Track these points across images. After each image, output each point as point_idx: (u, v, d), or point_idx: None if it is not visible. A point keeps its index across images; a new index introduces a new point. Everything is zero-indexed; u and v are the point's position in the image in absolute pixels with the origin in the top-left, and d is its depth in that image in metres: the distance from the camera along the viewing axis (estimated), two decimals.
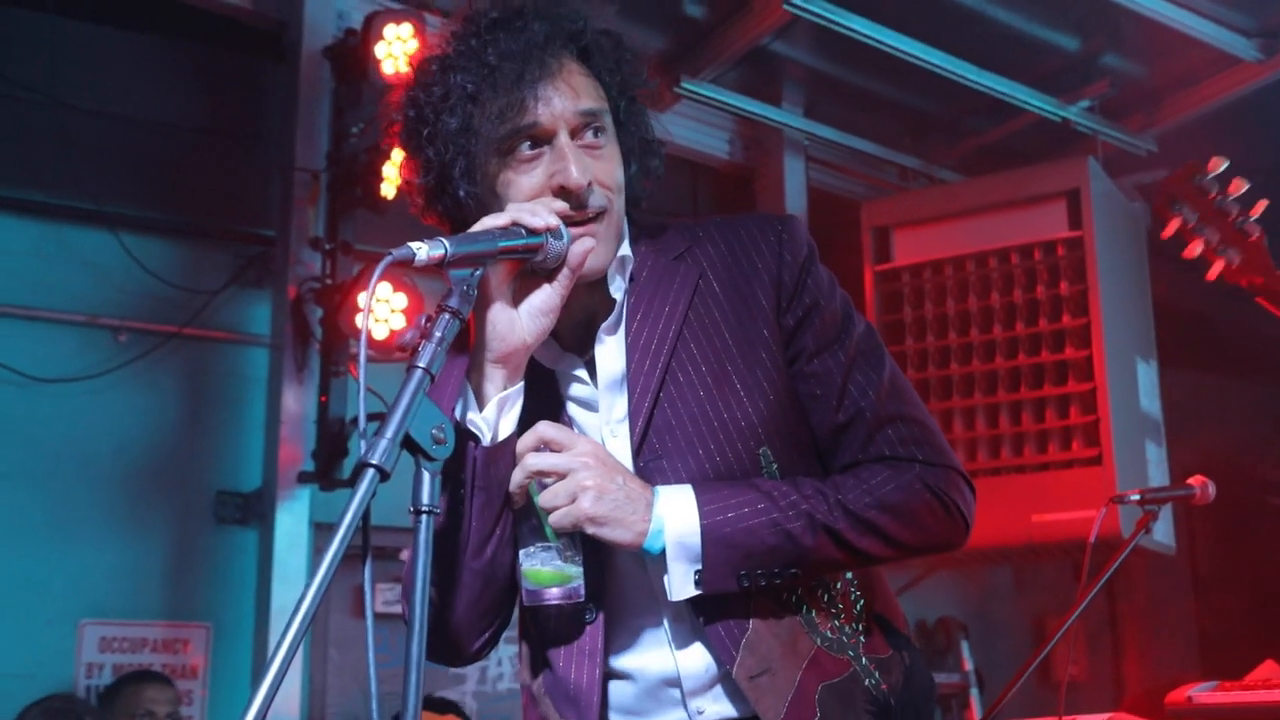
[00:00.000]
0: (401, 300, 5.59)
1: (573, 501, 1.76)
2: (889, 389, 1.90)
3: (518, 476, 1.79)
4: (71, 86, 6.28)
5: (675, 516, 1.78)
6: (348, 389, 5.94)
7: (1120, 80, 7.13)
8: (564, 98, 1.83)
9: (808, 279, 1.90)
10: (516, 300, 1.82)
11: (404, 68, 5.65)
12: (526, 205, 1.78)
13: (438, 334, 1.62)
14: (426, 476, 1.55)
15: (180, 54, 6.75)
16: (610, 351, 1.90)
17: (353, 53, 5.95)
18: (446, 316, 1.64)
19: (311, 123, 6.17)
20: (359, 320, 1.66)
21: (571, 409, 1.93)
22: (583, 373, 1.93)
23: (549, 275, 1.81)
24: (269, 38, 6.45)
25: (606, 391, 1.90)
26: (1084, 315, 6.17)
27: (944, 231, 6.57)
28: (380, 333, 5.53)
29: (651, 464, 1.85)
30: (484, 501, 1.81)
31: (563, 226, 1.79)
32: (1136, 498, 3.77)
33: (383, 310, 5.59)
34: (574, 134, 1.83)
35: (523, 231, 1.75)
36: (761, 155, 7.58)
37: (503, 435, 1.82)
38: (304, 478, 5.95)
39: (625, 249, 1.93)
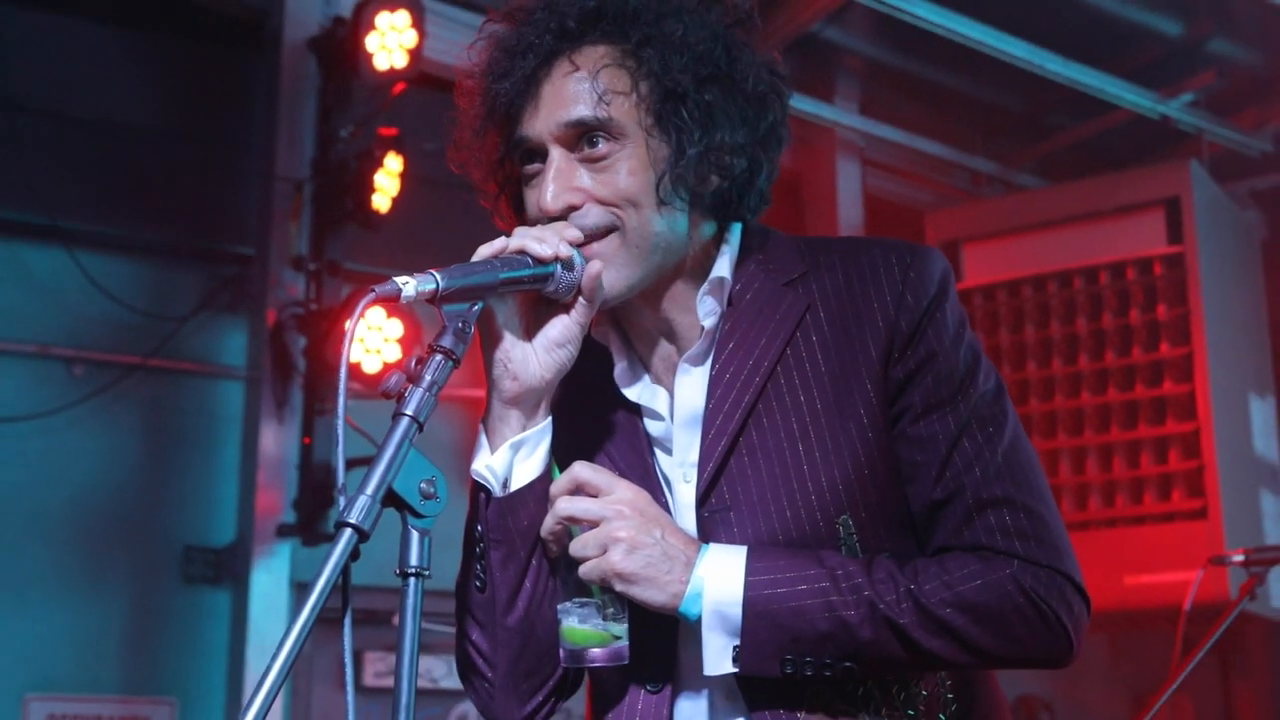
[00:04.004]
0: (396, 328, 5.69)
1: (603, 553, 1.80)
2: (1003, 465, 1.86)
3: (548, 523, 1.85)
4: (21, 83, 6.38)
5: (718, 581, 1.80)
6: (337, 429, 6.00)
7: (1229, 70, 7.16)
8: (550, 108, 1.88)
9: (928, 327, 1.88)
10: (530, 333, 1.88)
11: (400, 62, 5.76)
12: (534, 231, 1.84)
13: (428, 378, 1.67)
14: (415, 535, 1.61)
15: (145, 47, 6.84)
16: (692, 384, 1.93)
17: (341, 45, 6.07)
18: (438, 358, 1.70)
19: (294, 125, 6.29)
20: (345, 357, 1.72)
21: (653, 448, 1.98)
22: (663, 406, 1.97)
23: (566, 305, 1.87)
24: (246, 28, 6.58)
25: (683, 429, 1.94)
26: (1186, 344, 6.19)
27: (1022, 246, 6.61)
28: (372, 365, 5.63)
29: (716, 516, 1.88)
30: (504, 556, 1.88)
31: (576, 255, 1.84)
32: (1240, 558, 3.81)
33: (375, 339, 5.69)
34: (569, 147, 1.88)
35: (529, 260, 1.81)
36: (811, 158, 7.65)
37: (520, 482, 1.88)
38: (284, 531, 6.04)
39: (724, 269, 1.94)
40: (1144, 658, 9.15)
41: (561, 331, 1.88)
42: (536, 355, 1.87)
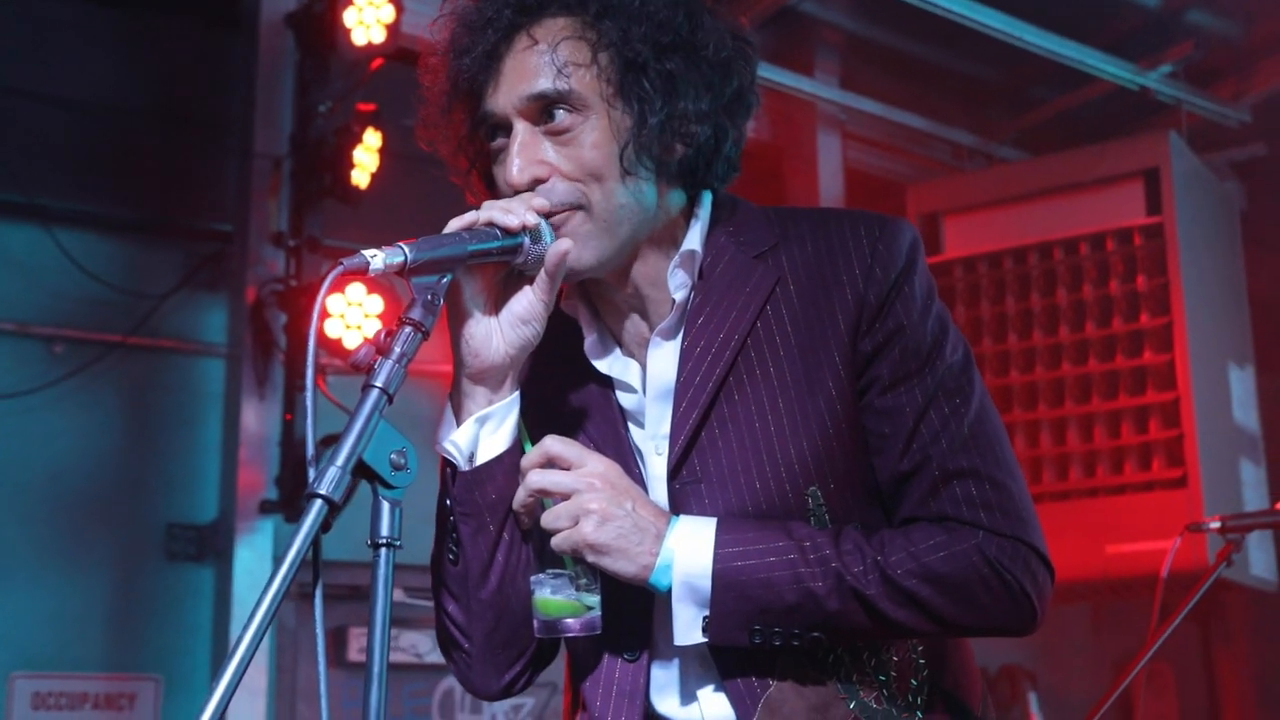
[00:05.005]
0: (376, 303, 5.69)
1: (575, 525, 1.82)
2: (968, 436, 1.87)
3: (521, 494, 1.87)
4: None
5: (687, 552, 1.83)
6: (317, 405, 6.01)
7: (1208, 41, 7.17)
8: (511, 82, 1.88)
9: (896, 300, 1.89)
10: (497, 307, 1.89)
11: (378, 37, 5.75)
12: (500, 203, 1.85)
13: (397, 349, 1.68)
14: (386, 506, 1.62)
15: (121, 24, 6.82)
16: (664, 357, 1.95)
17: (319, 20, 6.04)
18: (408, 330, 1.70)
19: (272, 102, 6.28)
20: (317, 329, 1.71)
21: (625, 420, 2.00)
22: (635, 379, 1.99)
23: (532, 280, 1.88)
24: (223, 4, 6.56)
25: (655, 402, 1.95)
26: (1165, 314, 6.22)
27: (1002, 218, 6.63)
28: (352, 340, 5.62)
29: (687, 488, 1.90)
30: (474, 529, 1.90)
31: (544, 225, 1.85)
32: (1216, 525, 3.81)
33: (355, 315, 5.69)
34: (533, 120, 1.89)
35: (498, 233, 1.82)
36: (791, 132, 7.65)
37: (487, 455, 1.90)
38: (267, 507, 6.04)
39: (694, 241, 1.95)
40: (1126, 626, 9.20)
41: (526, 308, 1.89)
42: (501, 331, 1.88)
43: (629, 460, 1.95)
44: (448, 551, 1.95)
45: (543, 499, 1.87)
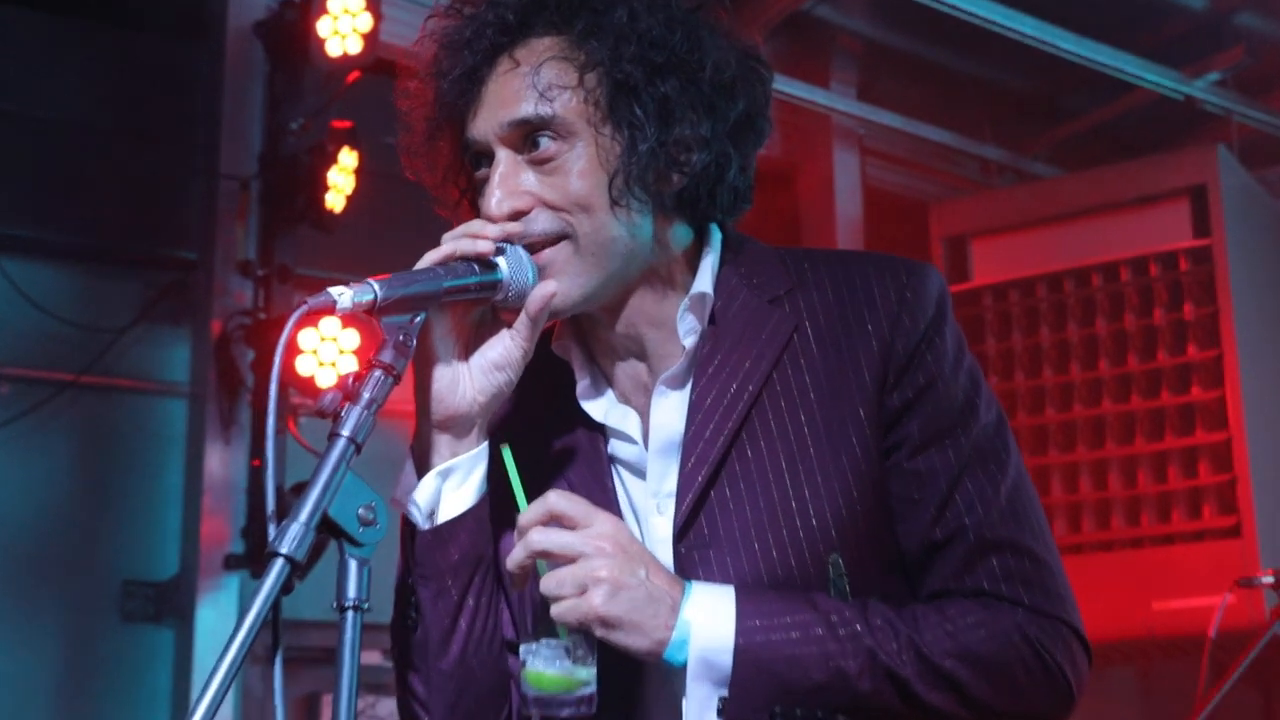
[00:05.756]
0: (352, 338, 5.72)
1: (582, 594, 1.77)
2: (1006, 506, 1.90)
3: (519, 554, 1.81)
4: None
5: (706, 625, 1.80)
6: (287, 450, 6.03)
7: (1260, 46, 7.21)
8: (492, 108, 1.92)
9: (927, 351, 1.91)
10: (468, 349, 1.92)
11: (354, 48, 5.79)
12: (463, 228, 1.88)
13: (366, 395, 1.71)
14: (353, 565, 1.65)
15: (75, 34, 6.82)
16: (670, 408, 1.95)
17: (290, 29, 6.09)
18: (377, 374, 1.74)
19: (239, 118, 6.31)
20: (282, 371, 1.73)
21: (620, 473, 2.01)
22: (634, 429, 1.99)
23: (510, 323, 1.90)
24: (186, 12, 6.58)
25: (659, 456, 1.96)
26: (1215, 346, 6.21)
27: (1035, 241, 6.64)
28: (326, 379, 5.64)
29: (695, 552, 1.90)
30: (434, 593, 1.90)
31: (526, 259, 1.88)
32: (1270, 580, 3.84)
33: (329, 351, 5.72)
34: (516, 148, 1.91)
35: (475, 267, 1.85)
36: (805, 148, 7.69)
37: (450, 513, 1.90)
38: (232, 563, 6.05)
39: (705, 283, 1.97)
40: (1177, 692, 9.14)
41: (502, 354, 1.91)
42: (471, 377, 1.90)
43: (619, 517, 1.94)
44: (406, 617, 1.94)
45: (540, 561, 1.83)
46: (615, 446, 2.01)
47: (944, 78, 7.46)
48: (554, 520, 1.82)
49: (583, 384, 2.02)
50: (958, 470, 1.89)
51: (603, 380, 2.04)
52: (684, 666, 1.80)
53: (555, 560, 1.81)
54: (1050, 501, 6.37)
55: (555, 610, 1.79)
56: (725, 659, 1.79)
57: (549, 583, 1.79)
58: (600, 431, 2.01)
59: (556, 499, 1.82)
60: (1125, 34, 6.93)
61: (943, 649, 1.82)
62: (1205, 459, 6.19)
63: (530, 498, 1.89)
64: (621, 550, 1.80)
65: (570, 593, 1.77)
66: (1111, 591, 6.04)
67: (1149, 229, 6.46)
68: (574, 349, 2.04)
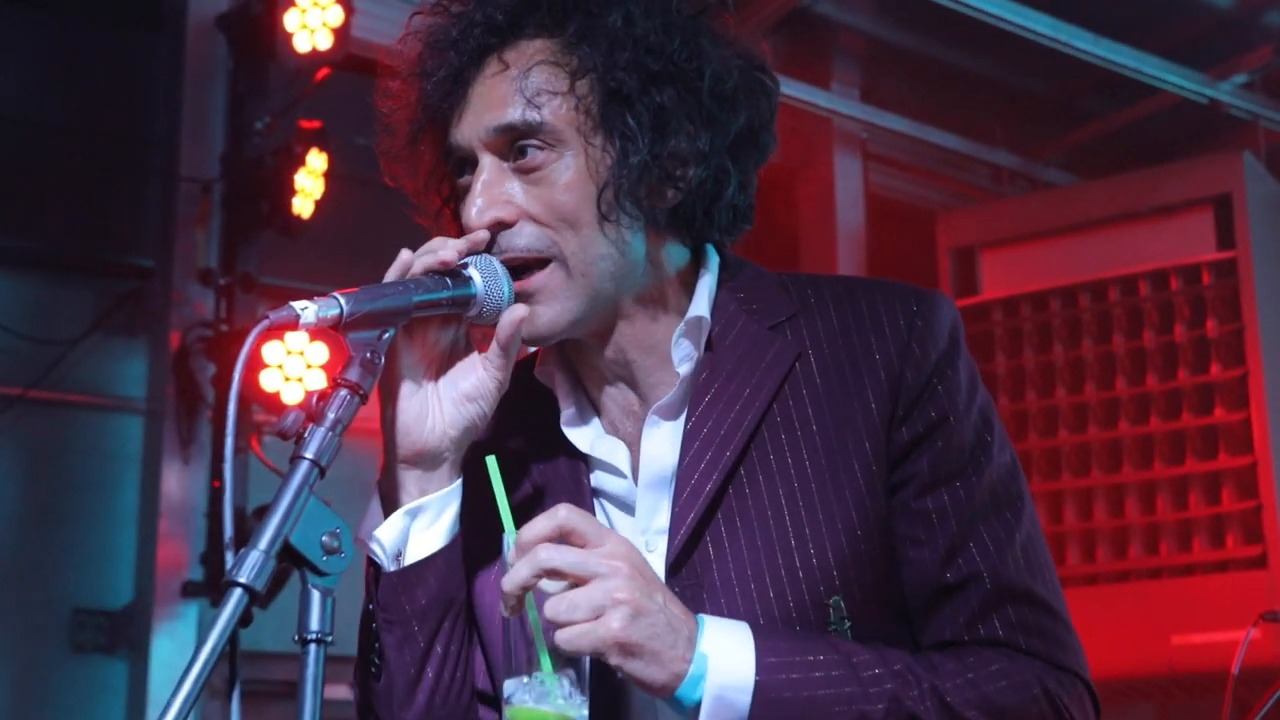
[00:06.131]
0: (320, 353, 5.72)
1: (596, 618, 1.70)
2: (1021, 554, 1.90)
3: (522, 573, 1.71)
4: None
5: (724, 662, 1.75)
6: (249, 470, 6.02)
7: None
8: (477, 112, 1.91)
9: (939, 384, 1.90)
10: (437, 374, 1.92)
11: (324, 43, 5.78)
12: (430, 244, 1.87)
13: (331, 416, 1.69)
14: (316, 595, 1.63)
15: (26, 27, 6.83)
16: (663, 439, 1.94)
17: (255, 23, 6.07)
18: (343, 393, 1.72)
19: (201, 117, 6.31)
20: (241, 389, 1.71)
21: (605, 508, 2.00)
22: (623, 462, 1.97)
23: (484, 346, 1.88)
24: (144, 4, 6.58)
25: (649, 490, 1.94)
26: (1240, 364, 6.23)
27: (1049, 252, 6.66)
28: (291, 394, 5.64)
29: (688, 592, 1.86)
30: (399, 639, 1.88)
31: (501, 272, 1.86)
32: None
33: (295, 365, 5.71)
34: (502, 155, 1.90)
35: (447, 281, 1.83)
36: (805, 152, 7.70)
37: (418, 554, 1.87)
38: (190, 590, 6.04)
39: (701, 307, 1.96)
40: None
41: (475, 385, 1.89)
42: (442, 409, 1.89)
43: None
44: (370, 663, 1.92)
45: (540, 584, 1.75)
46: (600, 479, 1.99)
47: (952, 78, 7.46)
48: (563, 537, 1.74)
49: (568, 412, 2.00)
50: (970, 513, 1.89)
51: (590, 408, 2.02)
52: (696, 707, 1.75)
53: (564, 580, 1.73)
54: (1064, 529, 6.39)
55: (564, 636, 1.70)
56: (743, 698, 1.75)
57: (558, 605, 1.70)
58: (584, 462, 2.00)
59: (568, 513, 1.74)
60: (1146, 33, 6.94)
61: (965, 698, 1.81)
62: (1229, 484, 6.21)
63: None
64: (638, 573, 1.73)
65: (583, 617, 1.69)
66: (1129, 625, 6.05)
67: (1170, 240, 6.48)
68: (558, 375, 2.02)
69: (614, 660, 1.70)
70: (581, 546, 1.73)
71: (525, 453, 2.02)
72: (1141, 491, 6.37)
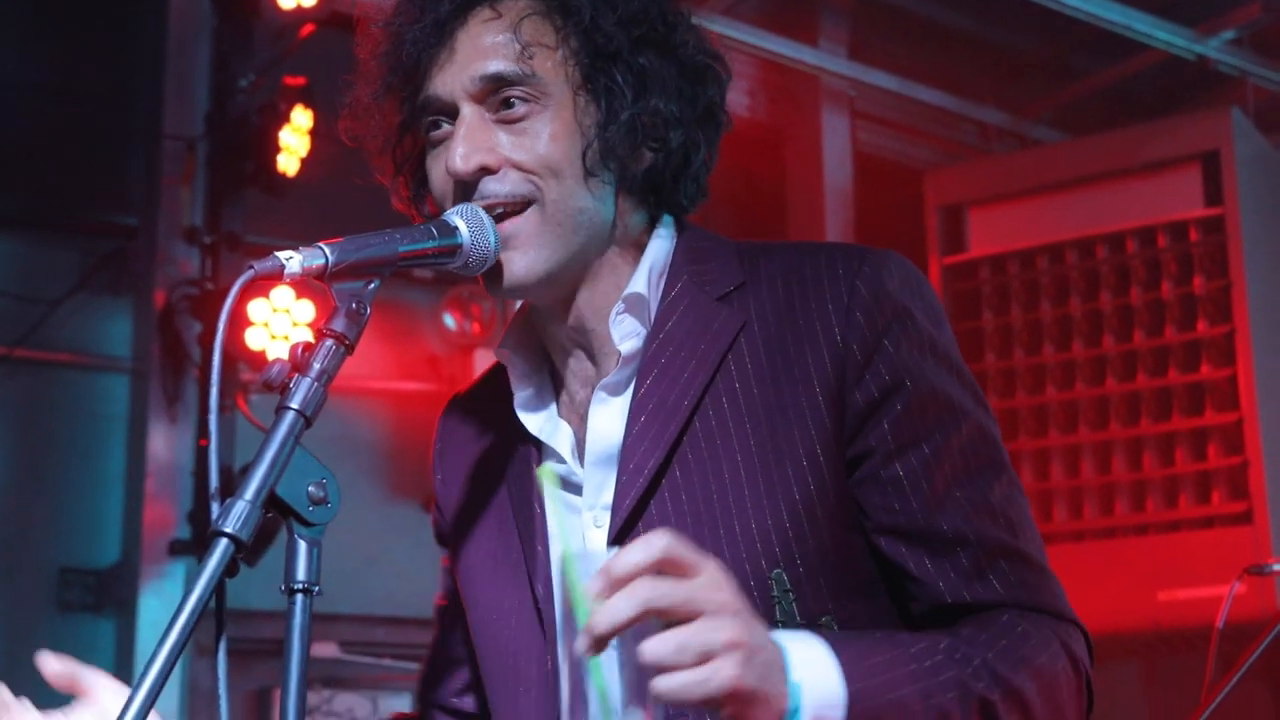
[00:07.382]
0: (306, 310, 5.73)
1: (702, 662, 1.52)
2: (1005, 511, 1.89)
3: (623, 610, 1.51)
4: None
5: (815, 682, 1.63)
6: (236, 429, 6.03)
7: (1278, 3, 7.19)
8: (464, 61, 1.92)
9: (889, 347, 1.87)
10: None
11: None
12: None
13: (317, 366, 1.71)
14: (302, 546, 1.65)
15: None
16: (609, 415, 1.95)
17: None
18: (329, 344, 1.74)
19: (185, 74, 6.30)
20: (226, 343, 1.70)
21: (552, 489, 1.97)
22: (564, 446, 2.00)
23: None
24: None
25: (596, 467, 1.96)
26: (1226, 321, 6.23)
27: (1036, 210, 6.66)
28: (277, 352, 5.65)
29: None
30: None
31: (487, 221, 1.87)
32: None
33: (281, 323, 5.72)
34: (484, 104, 1.92)
35: (433, 230, 1.84)
36: (793, 111, 7.69)
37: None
38: (177, 549, 6.05)
39: (640, 283, 1.96)
40: (1184, 687, 9.20)
41: None
42: None
43: (536, 540, 1.96)
44: None
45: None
46: (552, 459, 2.01)
47: (941, 36, 7.45)
48: (662, 568, 1.54)
49: (524, 394, 2.02)
50: (944, 474, 1.87)
51: (549, 390, 2.04)
52: None
53: (668, 618, 1.54)
54: (1051, 486, 6.41)
55: (671, 685, 1.52)
56: (837, 714, 1.63)
57: (664, 647, 1.51)
58: (536, 446, 2.02)
59: (669, 541, 1.55)
60: None
61: (1010, 665, 1.77)
62: (1215, 441, 6.22)
63: (460, 511, 1.92)
64: (742, 605, 1.58)
65: (691, 660, 1.51)
66: (1115, 581, 6.07)
67: (1157, 197, 6.47)
68: (513, 357, 2.04)
69: (727, 711, 1.55)
70: (680, 576, 1.55)
71: (483, 436, 2.07)
72: (1128, 448, 6.39)
